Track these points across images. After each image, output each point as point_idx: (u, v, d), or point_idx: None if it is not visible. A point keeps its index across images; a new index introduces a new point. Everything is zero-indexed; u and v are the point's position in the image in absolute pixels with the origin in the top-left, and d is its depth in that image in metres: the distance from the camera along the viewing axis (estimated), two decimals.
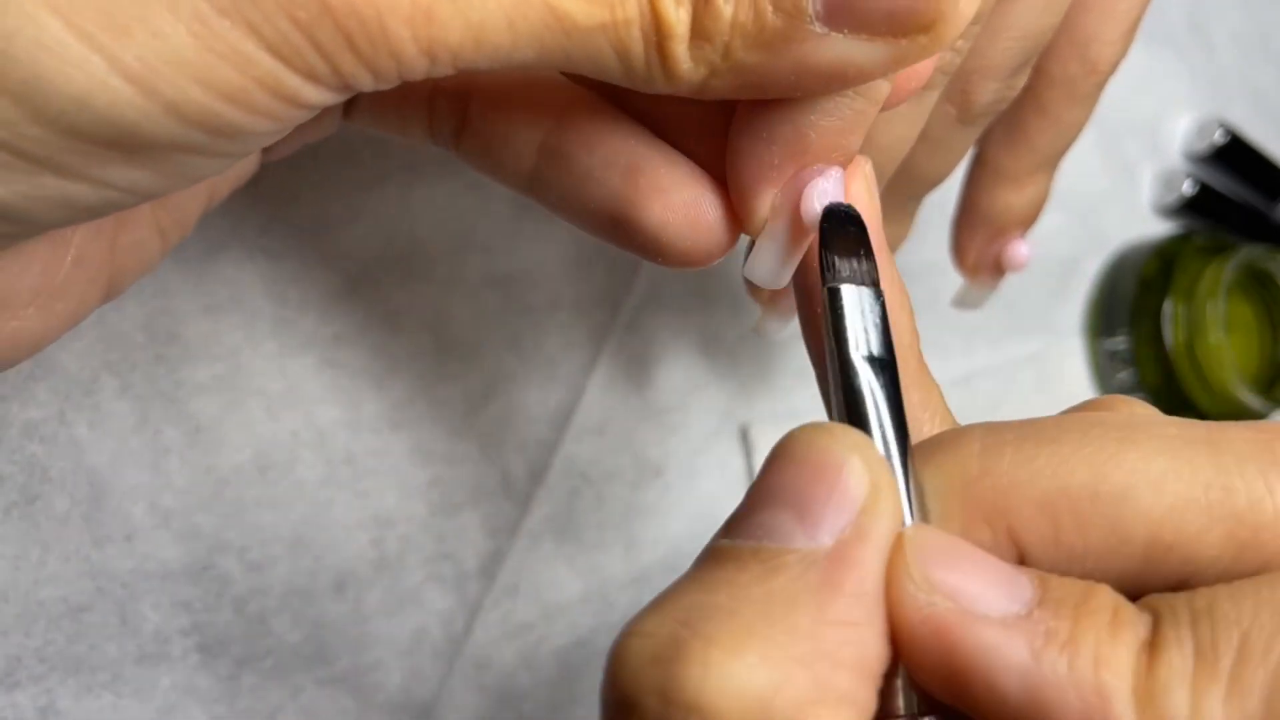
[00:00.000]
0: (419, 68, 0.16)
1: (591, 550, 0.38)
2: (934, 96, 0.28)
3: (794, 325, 0.37)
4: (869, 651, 0.16)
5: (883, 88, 0.20)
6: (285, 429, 0.33)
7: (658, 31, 0.17)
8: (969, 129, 0.31)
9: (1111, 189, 0.55)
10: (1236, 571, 0.17)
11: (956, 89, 0.30)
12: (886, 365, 0.19)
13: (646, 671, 0.15)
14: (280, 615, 0.33)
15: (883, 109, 0.21)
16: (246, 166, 0.25)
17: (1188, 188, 0.55)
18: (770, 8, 0.17)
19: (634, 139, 0.22)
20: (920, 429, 0.21)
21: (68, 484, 0.30)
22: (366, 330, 0.35)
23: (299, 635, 0.33)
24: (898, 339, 0.22)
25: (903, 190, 0.32)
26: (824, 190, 0.21)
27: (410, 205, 0.36)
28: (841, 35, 0.18)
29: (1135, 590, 0.17)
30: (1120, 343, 0.52)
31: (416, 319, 0.36)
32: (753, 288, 0.34)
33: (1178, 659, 0.15)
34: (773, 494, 0.17)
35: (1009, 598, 0.16)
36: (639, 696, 0.15)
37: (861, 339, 0.19)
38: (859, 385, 0.19)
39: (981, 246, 0.38)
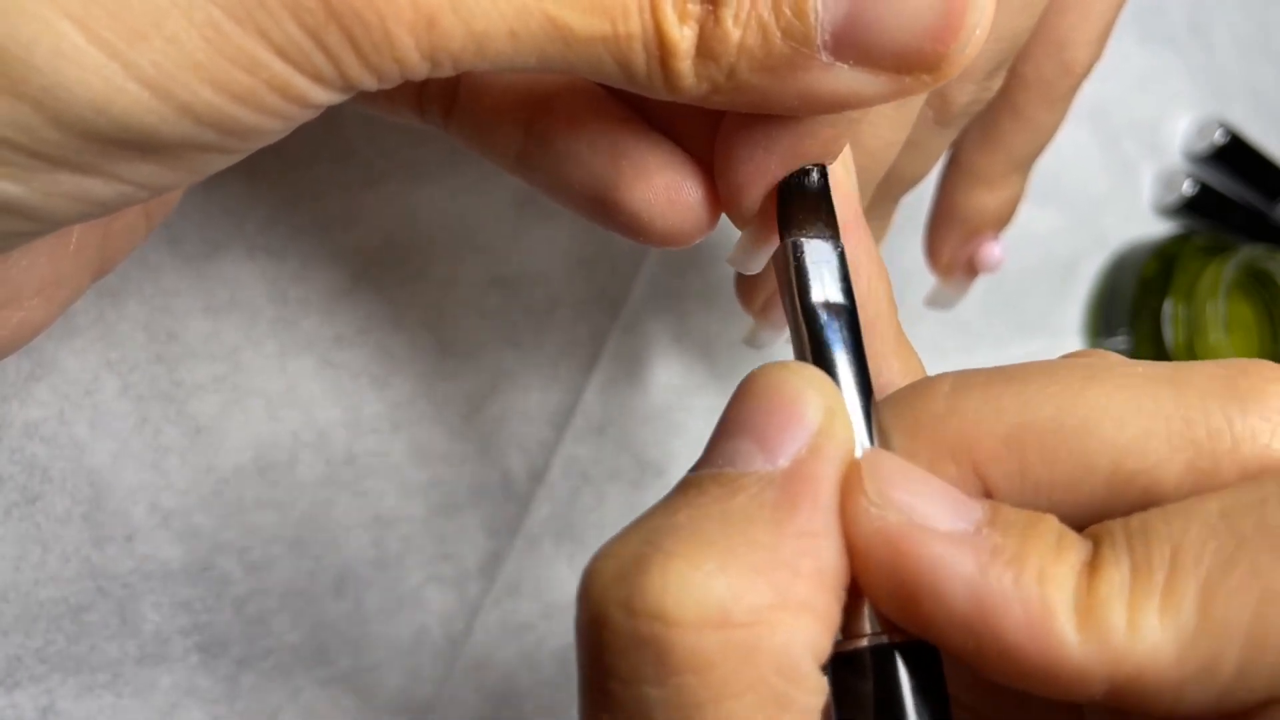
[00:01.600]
0: (421, 71, 0.17)
1: (591, 550, 0.38)
2: (920, 101, 0.29)
3: (786, 335, 0.37)
4: (827, 562, 0.17)
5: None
6: (285, 429, 0.33)
7: (661, 48, 0.18)
8: (946, 130, 0.32)
9: (1111, 189, 0.55)
10: None
11: (934, 91, 0.30)
12: (847, 311, 0.20)
13: (612, 588, 0.16)
14: (280, 615, 0.33)
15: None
16: None
17: (1188, 188, 0.55)
18: (779, 35, 0.18)
19: (619, 122, 0.22)
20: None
21: (68, 484, 0.30)
22: (367, 330, 0.35)
23: (299, 635, 0.33)
24: (875, 308, 0.23)
25: (880, 191, 0.32)
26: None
27: (411, 205, 0.36)
28: (846, 67, 0.18)
29: (1099, 522, 0.18)
30: (1120, 343, 0.52)
31: (417, 319, 0.36)
32: (745, 297, 0.35)
33: (1115, 575, 0.16)
34: (734, 425, 0.18)
35: (960, 517, 0.17)
36: (606, 611, 0.16)
37: (820, 287, 0.20)
38: (818, 329, 0.19)
39: (955, 247, 0.38)
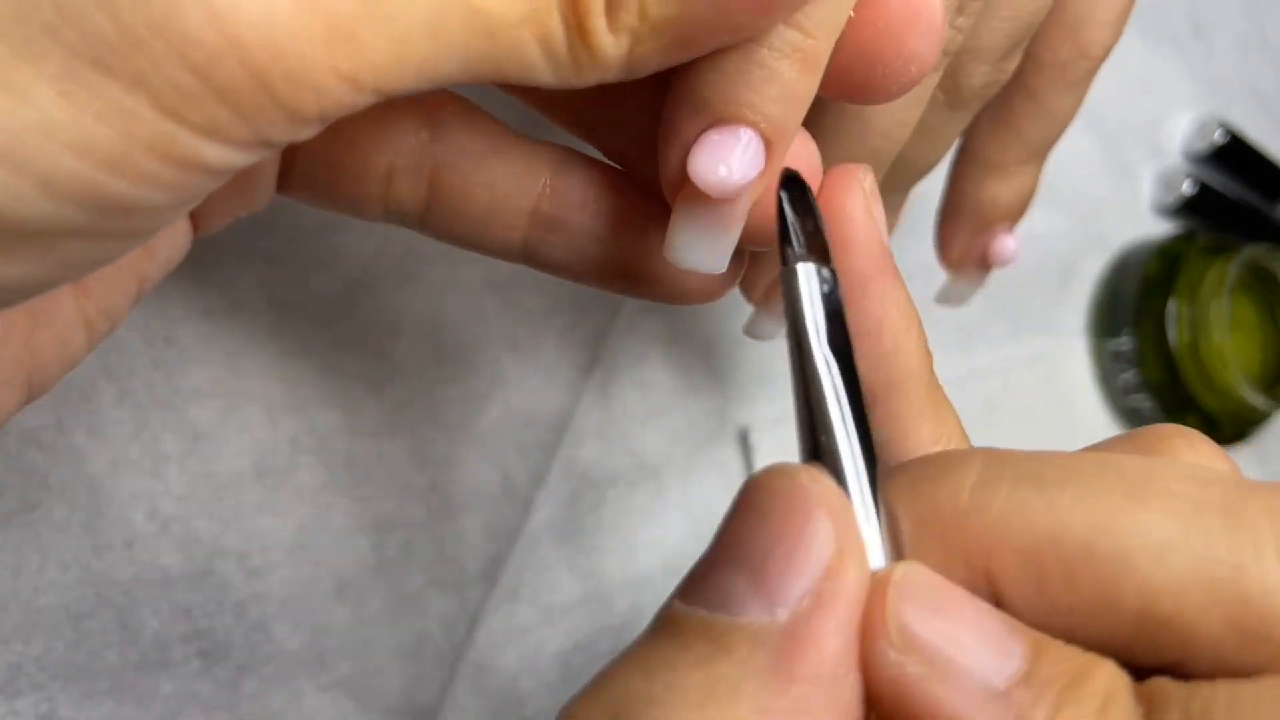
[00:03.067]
0: (341, 99, 0.15)
1: (591, 553, 0.38)
2: (935, 78, 0.27)
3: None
4: None
5: (809, 46, 0.19)
6: (284, 434, 0.33)
7: (575, 11, 0.16)
8: (958, 114, 0.30)
9: (1111, 189, 0.55)
10: (1236, 660, 0.15)
11: (946, 73, 0.28)
12: (841, 355, 0.17)
13: None
14: (281, 621, 0.32)
15: (886, 96, 0.20)
16: (175, 245, 0.22)
17: (1188, 188, 0.55)
18: None
19: (620, 189, 0.21)
20: None
21: (67, 491, 0.30)
22: (365, 335, 0.35)
23: (300, 641, 0.33)
24: (904, 366, 0.20)
25: (890, 180, 0.31)
26: (719, 148, 0.19)
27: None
28: None
29: (1118, 654, 0.16)
30: (1124, 343, 0.52)
31: (415, 323, 0.36)
32: (745, 286, 0.34)
33: None
34: (729, 553, 0.15)
35: (992, 666, 0.15)
36: None
37: (819, 325, 0.18)
38: (819, 380, 0.17)
39: (966, 240, 0.36)
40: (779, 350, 0.43)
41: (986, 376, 0.49)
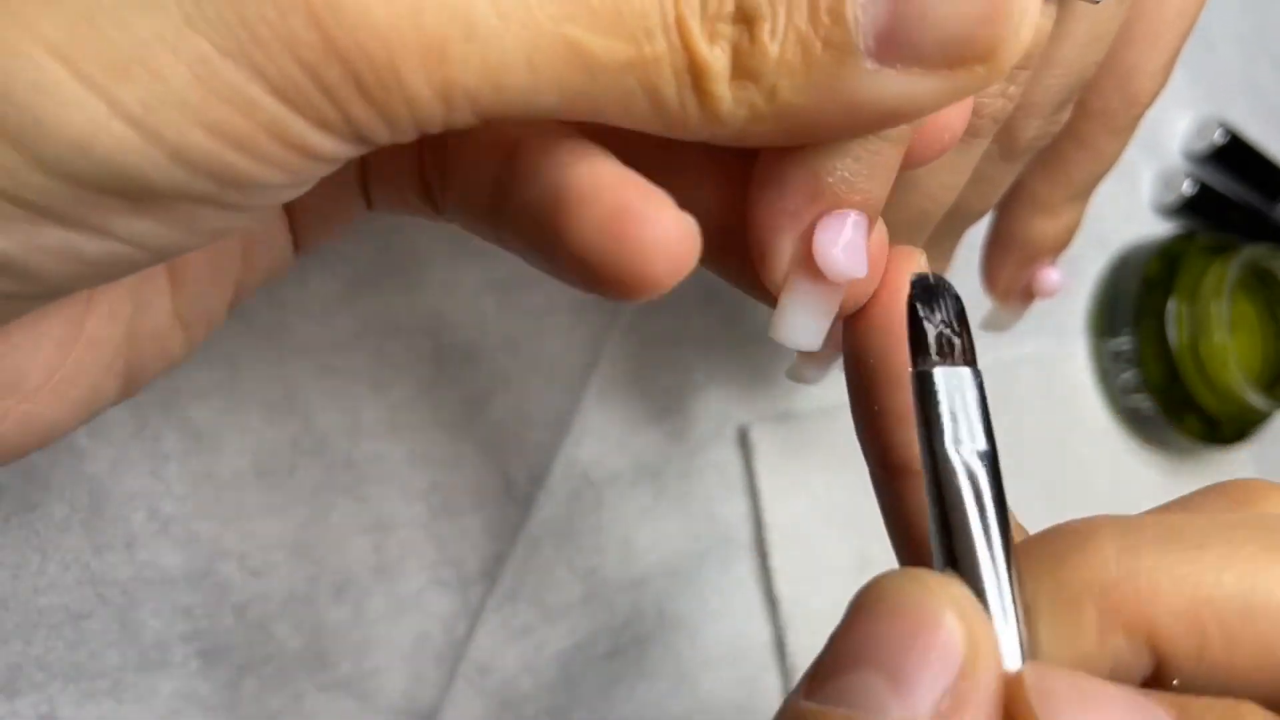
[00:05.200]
0: (435, 114, 0.15)
1: (590, 553, 0.38)
2: (984, 144, 0.28)
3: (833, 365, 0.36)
4: None
5: (905, 130, 0.19)
6: (284, 434, 0.33)
7: (692, 71, 0.16)
8: (1012, 165, 0.31)
9: (1111, 189, 0.55)
10: None
11: (1002, 127, 0.29)
12: (988, 458, 0.17)
13: None
14: (281, 621, 0.32)
15: (919, 162, 0.20)
16: (276, 258, 0.24)
17: (1188, 188, 0.55)
18: (819, 45, 0.16)
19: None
20: None
21: (67, 491, 0.30)
22: (365, 335, 0.35)
23: (300, 641, 0.33)
24: None
25: (943, 225, 0.32)
26: (837, 233, 0.19)
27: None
28: (894, 71, 0.17)
29: None
30: (1124, 343, 0.52)
31: (415, 323, 0.36)
32: None
33: None
34: (860, 651, 0.15)
35: None
36: None
37: (955, 429, 0.17)
38: (957, 487, 0.17)
39: (1013, 272, 0.38)
40: (779, 350, 0.43)
41: (986, 377, 0.49)
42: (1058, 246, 0.37)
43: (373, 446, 0.35)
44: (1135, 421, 0.54)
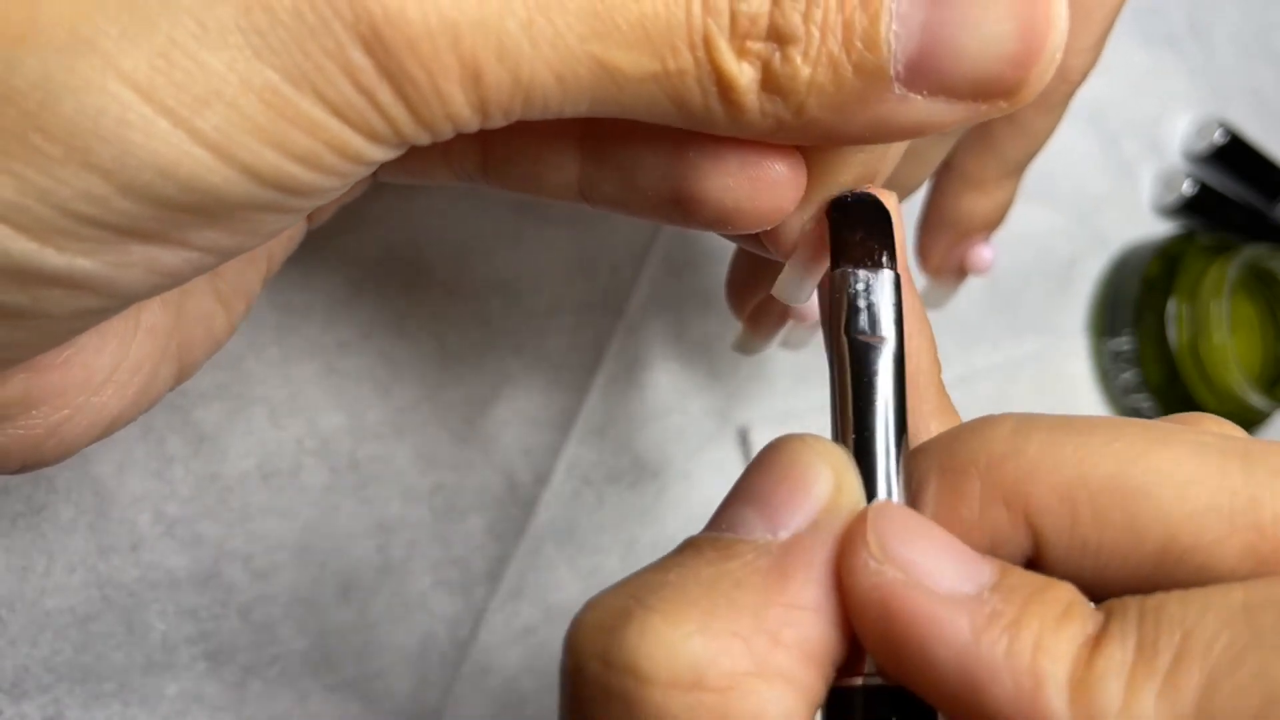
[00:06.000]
0: (473, 123, 0.17)
1: (592, 552, 0.38)
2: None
3: (775, 339, 0.37)
4: (814, 635, 0.16)
5: None
6: (289, 436, 0.33)
7: (719, 84, 0.17)
8: (947, 140, 0.32)
9: (1111, 189, 0.55)
10: None
11: None
12: (892, 346, 0.19)
13: (592, 638, 0.16)
14: (286, 622, 0.33)
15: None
16: (299, 230, 0.26)
17: (1187, 188, 0.55)
18: (851, 70, 0.17)
19: None
20: None
21: (73, 494, 0.30)
22: (370, 336, 0.35)
23: (305, 642, 0.33)
24: (915, 366, 0.21)
25: None
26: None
27: (411, 211, 0.36)
28: (920, 97, 0.17)
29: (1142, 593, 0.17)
30: (1124, 343, 0.52)
31: (419, 325, 0.36)
32: (735, 303, 0.35)
33: (1118, 653, 0.15)
34: (742, 492, 0.18)
35: (963, 577, 0.16)
36: (584, 661, 0.16)
37: (865, 318, 0.19)
38: (859, 363, 0.19)
39: (945, 250, 0.38)
40: (778, 350, 0.43)
41: (986, 376, 0.49)
42: (990, 223, 0.38)
43: (377, 448, 0.35)
44: None
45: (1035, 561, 0.18)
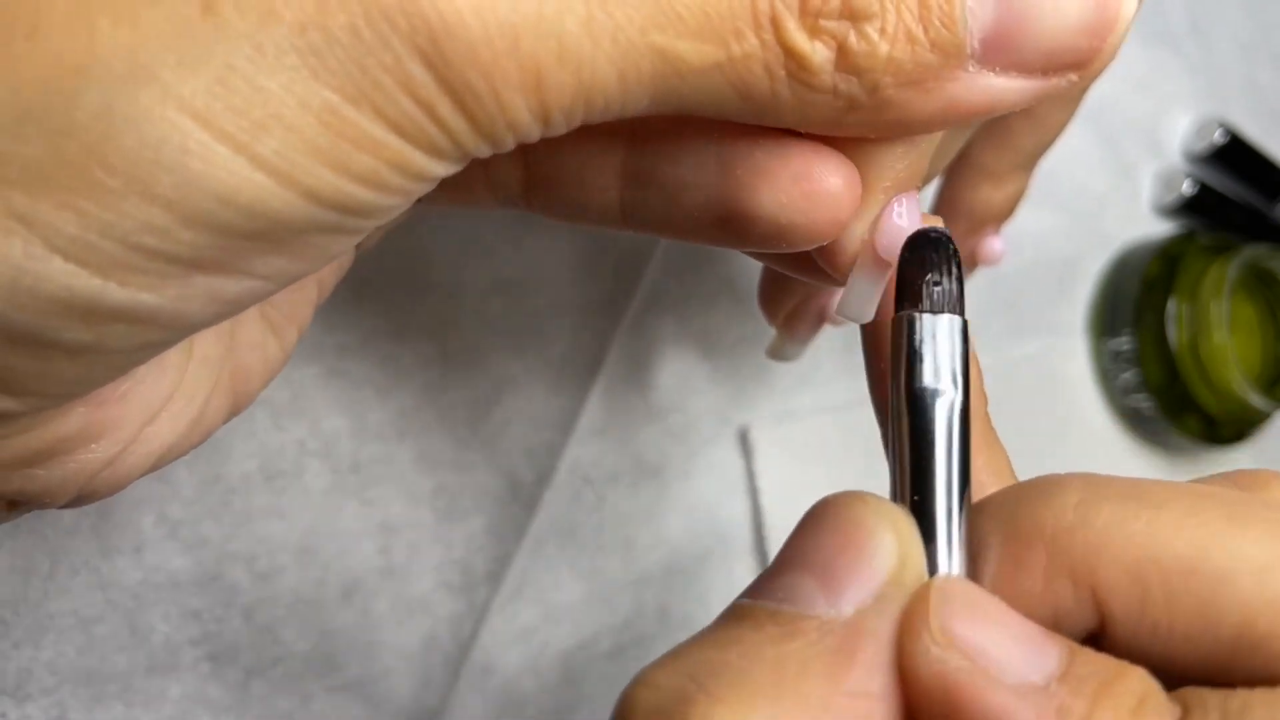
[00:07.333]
0: (534, 132, 0.16)
1: (592, 553, 0.38)
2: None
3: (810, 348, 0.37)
4: None
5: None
6: (291, 438, 0.33)
7: (788, 65, 0.17)
8: (965, 132, 0.32)
9: (1111, 189, 0.55)
10: None
11: None
12: (959, 401, 0.18)
13: None
14: (289, 624, 0.33)
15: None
16: (345, 258, 0.25)
17: (1187, 188, 0.55)
18: (928, 46, 0.17)
19: (714, 131, 0.20)
20: (983, 491, 0.20)
21: None
22: (371, 339, 0.35)
23: (308, 643, 0.33)
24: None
25: None
26: (900, 217, 0.20)
27: (413, 213, 0.36)
28: (993, 74, 0.17)
29: (1213, 678, 0.16)
30: (1124, 343, 0.53)
31: (421, 327, 0.36)
32: (769, 308, 0.35)
33: None
34: (798, 558, 0.17)
35: (1030, 665, 0.16)
36: None
37: (931, 370, 0.18)
38: (923, 418, 0.18)
39: (958, 240, 0.38)
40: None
41: (987, 376, 0.49)
42: (1002, 215, 0.38)
43: (379, 449, 0.35)
44: (1135, 421, 0.54)
45: (1100, 635, 0.17)
